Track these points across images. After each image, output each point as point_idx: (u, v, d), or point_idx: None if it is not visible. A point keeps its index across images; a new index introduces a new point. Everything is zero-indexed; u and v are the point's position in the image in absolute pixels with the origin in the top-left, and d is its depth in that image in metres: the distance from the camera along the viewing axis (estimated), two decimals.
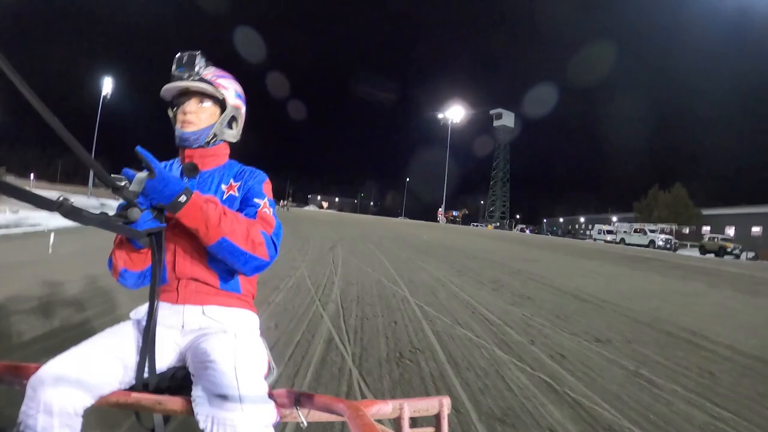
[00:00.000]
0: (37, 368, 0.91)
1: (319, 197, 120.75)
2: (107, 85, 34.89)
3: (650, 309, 5.15)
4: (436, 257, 9.36)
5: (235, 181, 1.26)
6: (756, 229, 39.49)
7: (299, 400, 0.92)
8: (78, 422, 0.90)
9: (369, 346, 2.93)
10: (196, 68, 1.21)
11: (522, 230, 67.69)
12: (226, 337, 1.07)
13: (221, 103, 1.26)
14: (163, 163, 1.27)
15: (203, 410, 0.87)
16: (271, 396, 0.95)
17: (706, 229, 42.45)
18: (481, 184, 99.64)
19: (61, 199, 0.72)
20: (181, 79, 1.20)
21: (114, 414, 1.62)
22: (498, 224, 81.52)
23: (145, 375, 1.02)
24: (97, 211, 0.88)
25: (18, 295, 3.48)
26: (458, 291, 5.37)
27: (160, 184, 0.95)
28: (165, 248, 1.11)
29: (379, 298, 4.59)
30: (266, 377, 1.08)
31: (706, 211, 45.00)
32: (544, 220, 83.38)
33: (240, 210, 1.19)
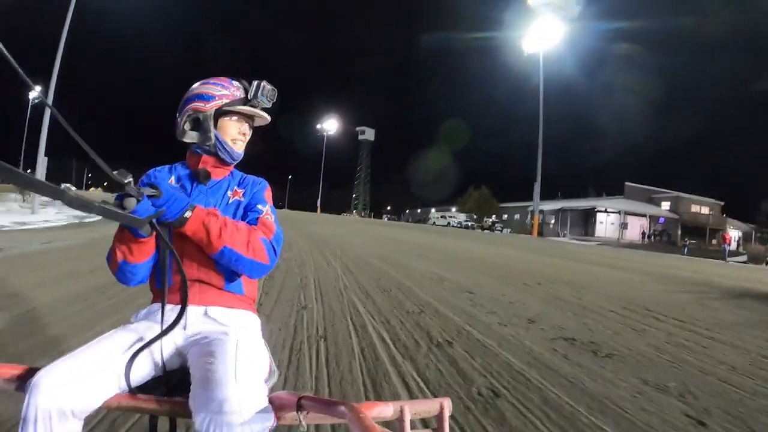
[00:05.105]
0: (36, 371, 0.90)
1: None
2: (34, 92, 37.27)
3: (415, 241, 20.86)
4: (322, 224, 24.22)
5: (239, 187, 1.36)
6: (529, 218, 61.21)
7: (300, 402, 0.91)
8: (78, 426, 0.90)
9: None
10: (269, 102, 1.31)
11: (387, 218, 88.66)
12: (227, 340, 1.06)
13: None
14: (167, 166, 1.35)
15: (201, 413, 0.87)
16: (271, 399, 0.95)
17: (505, 216, 65.36)
18: (352, 181, 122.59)
19: (64, 187, 0.76)
20: (255, 106, 1.30)
21: (117, 417, 1.70)
22: (362, 214, 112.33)
23: (147, 377, 1.05)
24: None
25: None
26: (341, 239, 15.58)
27: (167, 202, 0.99)
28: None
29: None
30: (267, 380, 1.10)
31: (502, 205, 67.99)
32: (407, 211, 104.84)
33: (245, 215, 1.28)
